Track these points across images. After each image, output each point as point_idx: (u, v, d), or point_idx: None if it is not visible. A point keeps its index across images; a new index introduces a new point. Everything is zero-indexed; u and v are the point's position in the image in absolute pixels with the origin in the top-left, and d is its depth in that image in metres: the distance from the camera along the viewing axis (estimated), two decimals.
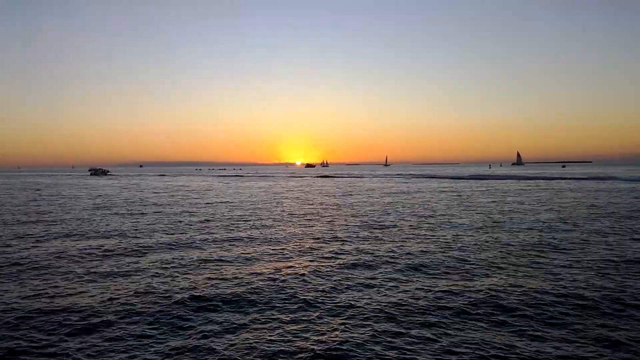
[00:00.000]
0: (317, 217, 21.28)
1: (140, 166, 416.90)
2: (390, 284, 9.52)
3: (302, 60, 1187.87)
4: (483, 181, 59.78)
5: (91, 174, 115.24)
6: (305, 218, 21.11)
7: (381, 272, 10.51)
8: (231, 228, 17.89)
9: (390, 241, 14.51)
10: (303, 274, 10.36)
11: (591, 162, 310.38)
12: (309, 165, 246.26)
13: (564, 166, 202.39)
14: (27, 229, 17.90)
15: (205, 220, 20.46)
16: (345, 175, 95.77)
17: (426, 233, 16.11)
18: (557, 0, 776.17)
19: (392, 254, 12.51)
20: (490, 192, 38.15)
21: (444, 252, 12.63)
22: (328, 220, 20.22)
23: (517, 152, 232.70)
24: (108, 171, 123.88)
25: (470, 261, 11.52)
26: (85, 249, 13.57)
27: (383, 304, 8.16)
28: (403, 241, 14.49)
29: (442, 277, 10.05)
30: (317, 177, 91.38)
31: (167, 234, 16.60)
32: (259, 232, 16.78)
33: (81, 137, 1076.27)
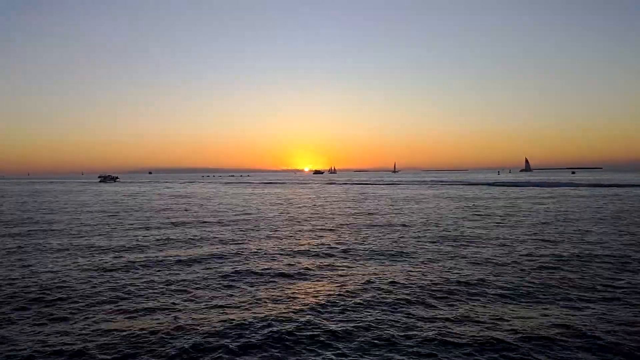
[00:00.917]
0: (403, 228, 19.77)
1: (150, 173, 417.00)
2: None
3: (309, 66, 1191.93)
4: (545, 189, 57.99)
5: (100, 181, 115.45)
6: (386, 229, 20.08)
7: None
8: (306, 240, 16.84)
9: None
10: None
11: (601, 168, 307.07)
12: (317, 172, 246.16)
13: (573, 172, 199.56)
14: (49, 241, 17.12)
15: (268, 231, 19.18)
16: (363, 182, 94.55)
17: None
18: (566, 4, 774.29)
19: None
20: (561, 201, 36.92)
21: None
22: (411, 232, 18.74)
23: (525, 158, 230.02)
24: (117, 178, 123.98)
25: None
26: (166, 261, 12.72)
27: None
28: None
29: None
30: (337, 184, 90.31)
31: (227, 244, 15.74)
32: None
33: (90, 144, 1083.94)
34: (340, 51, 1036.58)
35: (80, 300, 8.96)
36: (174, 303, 8.75)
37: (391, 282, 10.20)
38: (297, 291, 9.60)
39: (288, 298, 9.08)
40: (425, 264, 12.17)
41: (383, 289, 9.63)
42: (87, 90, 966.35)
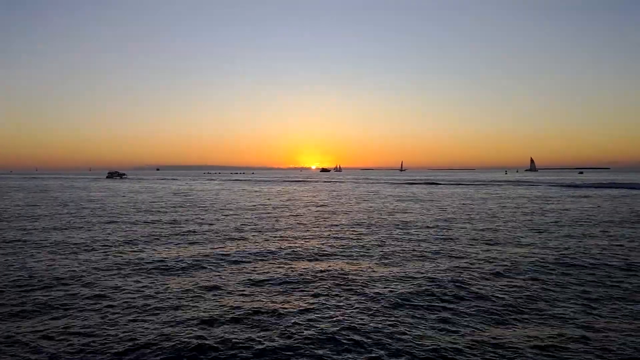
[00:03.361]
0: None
1: (157, 169, 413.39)
2: None
3: (316, 66, 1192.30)
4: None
5: (107, 177, 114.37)
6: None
7: None
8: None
9: None
10: None
11: (609, 168, 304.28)
12: (324, 170, 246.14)
13: (581, 172, 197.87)
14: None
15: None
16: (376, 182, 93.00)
17: None
18: (572, 5, 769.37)
19: None
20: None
21: None
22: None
23: (531, 158, 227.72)
24: (124, 174, 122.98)
25: None
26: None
27: None
28: None
29: None
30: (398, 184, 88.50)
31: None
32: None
33: (97, 141, 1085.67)
34: (348, 52, 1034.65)
35: None
36: None
37: None
38: None
39: None
40: None
41: None
42: (95, 88, 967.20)
